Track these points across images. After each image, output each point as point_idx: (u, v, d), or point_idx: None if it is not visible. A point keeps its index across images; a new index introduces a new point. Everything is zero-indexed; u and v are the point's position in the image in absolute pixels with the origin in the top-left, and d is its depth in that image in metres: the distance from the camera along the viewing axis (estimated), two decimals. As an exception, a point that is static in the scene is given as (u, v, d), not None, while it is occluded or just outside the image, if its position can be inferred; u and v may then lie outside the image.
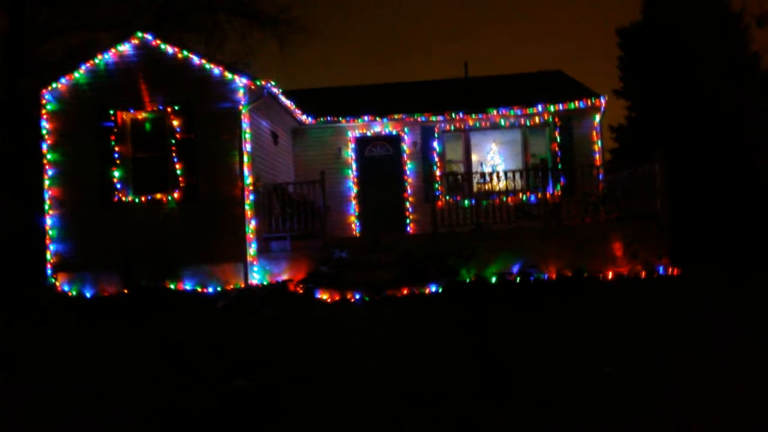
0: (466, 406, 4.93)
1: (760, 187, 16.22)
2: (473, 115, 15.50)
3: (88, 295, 12.01)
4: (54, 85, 12.54)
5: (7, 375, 6.71)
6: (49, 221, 12.42)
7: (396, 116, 15.55)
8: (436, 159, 15.63)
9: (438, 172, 15.39)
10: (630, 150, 19.74)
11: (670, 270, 11.60)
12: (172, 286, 11.78)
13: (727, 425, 4.31)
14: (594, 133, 15.46)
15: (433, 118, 15.57)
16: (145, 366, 6.90)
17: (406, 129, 15.73)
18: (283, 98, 13.43)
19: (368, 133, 15.84)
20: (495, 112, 15.37)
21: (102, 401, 5.62)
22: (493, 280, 11.44)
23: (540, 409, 4.79)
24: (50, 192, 12.46)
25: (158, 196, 12.33)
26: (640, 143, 18.85)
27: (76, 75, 12.55)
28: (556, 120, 15.47)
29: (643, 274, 11.53)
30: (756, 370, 5.54)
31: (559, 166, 15.20)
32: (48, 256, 12.36)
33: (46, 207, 12.45)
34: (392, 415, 4.83)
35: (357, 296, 10.65)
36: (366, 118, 15.59)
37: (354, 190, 15.80)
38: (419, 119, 15.57)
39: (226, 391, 5.51)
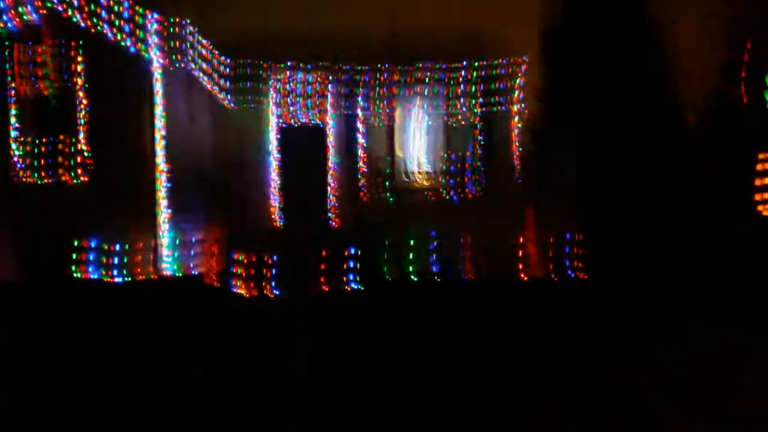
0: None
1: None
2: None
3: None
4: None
5: None
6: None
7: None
8: (360, 152, 15.43)
9: (363, 166, 15.22)
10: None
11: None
12: (77, 275, 11.07)
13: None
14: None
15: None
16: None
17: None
18: (203, 80, 12.85)
19: (293, 122, 15.48)
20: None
21: None
22: (415, 279, 11.44)
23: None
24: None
25: (62, 176, 11.54)
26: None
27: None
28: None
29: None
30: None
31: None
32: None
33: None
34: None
35: (276, 292, 10.43)
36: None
37: (278, 180, 15.38)
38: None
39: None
